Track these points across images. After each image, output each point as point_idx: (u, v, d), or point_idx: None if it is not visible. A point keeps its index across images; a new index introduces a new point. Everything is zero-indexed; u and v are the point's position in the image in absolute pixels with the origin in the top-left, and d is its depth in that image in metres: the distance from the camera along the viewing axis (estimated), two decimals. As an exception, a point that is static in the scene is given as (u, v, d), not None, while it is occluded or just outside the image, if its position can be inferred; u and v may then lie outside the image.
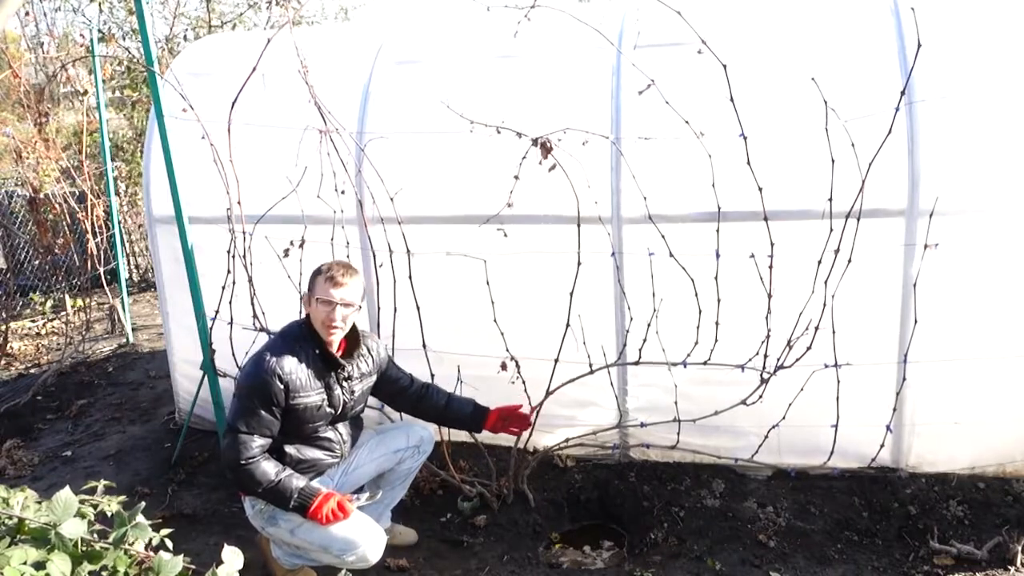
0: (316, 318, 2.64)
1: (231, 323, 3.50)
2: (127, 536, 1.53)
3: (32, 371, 5.46)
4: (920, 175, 2.95)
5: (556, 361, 3.13)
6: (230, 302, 3.47)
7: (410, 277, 3.24)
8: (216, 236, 3.49)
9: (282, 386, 2.52)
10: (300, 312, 3.42)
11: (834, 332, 2.93)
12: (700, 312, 3.02)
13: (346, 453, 2.83)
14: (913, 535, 2.98)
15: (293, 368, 2.56)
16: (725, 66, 2.68)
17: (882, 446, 3.14)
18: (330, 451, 2.75)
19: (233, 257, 3.39)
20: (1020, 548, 2.80)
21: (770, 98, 3.06)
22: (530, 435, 3.25)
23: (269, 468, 2.49)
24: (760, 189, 2.77)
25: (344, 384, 2.73)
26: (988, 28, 3.09)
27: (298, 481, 2.51)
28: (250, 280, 3.42)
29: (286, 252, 3.26)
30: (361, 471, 2.87)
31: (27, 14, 9.31)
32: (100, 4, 8.45)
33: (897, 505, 3.13)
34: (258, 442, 2.51)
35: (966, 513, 3.06)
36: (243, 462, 2.46)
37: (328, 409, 2.68)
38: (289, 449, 2.64)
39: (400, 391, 2.99)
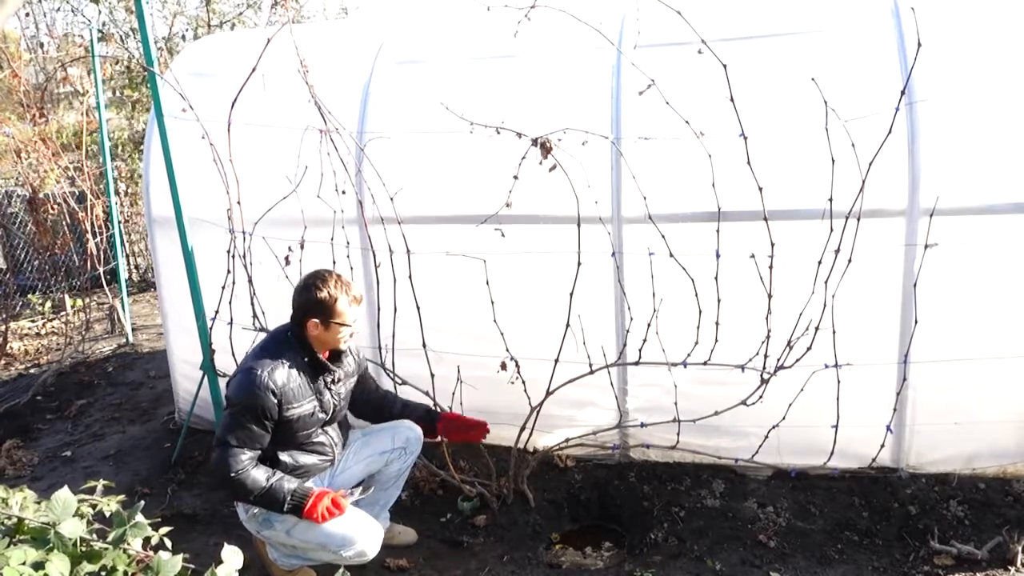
0: (325, 338, 2.62)
1: (231, 323, 3.50)
2: (126, 536, 1.53)
3: (32, 371, 5.46)
4: (920, 175, 2.95)
5: (556, 361, 3.13)
6: (230, 302, 3.47)
7: (410, 277, 3.24)
8: (216, 236, 3.49)
9: (275, 400, 2.50)
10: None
11: (834, 332, 2.93)
12: (700, 312, 3.02)
13: (338, 456, 2.84)
14: (913, 535, 2.98)
15: (286, 380, 2.53)
16: (725, 66, 2.67)
17: (882, 446, 3.14)
18: (323, 455, 2.75)
19: (233, 257, 3.39)
20: (1020, 548, 2.80)
21: (770, 98, 3.06)
22: (530, 435, 3.25)
23: (259, 475, 2.48)
24: (760, 189, 2.77)
25: (332, 388, 2.73)
26: (988, 28, 3.09)
27: (290, 484, 2.51)
28: (250, 280, 3.42)
29: (287, 260, 3.26)
30: (348, 473, 2.87)
31: (27, 15, 9.31)
32: (99, 4, 8.45)
33: (897, 505, 3.13)
34: (248, 454, 2.50)
35: (966, 513, 3.06)
36: (233, 474, 2.45)
37: (320, 415, 2.68)
38: (283, 457, 2.63)
39: (367, 395, 3.00)
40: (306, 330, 2.60)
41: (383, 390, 3.08)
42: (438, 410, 3.11)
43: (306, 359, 2.63)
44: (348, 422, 2.97)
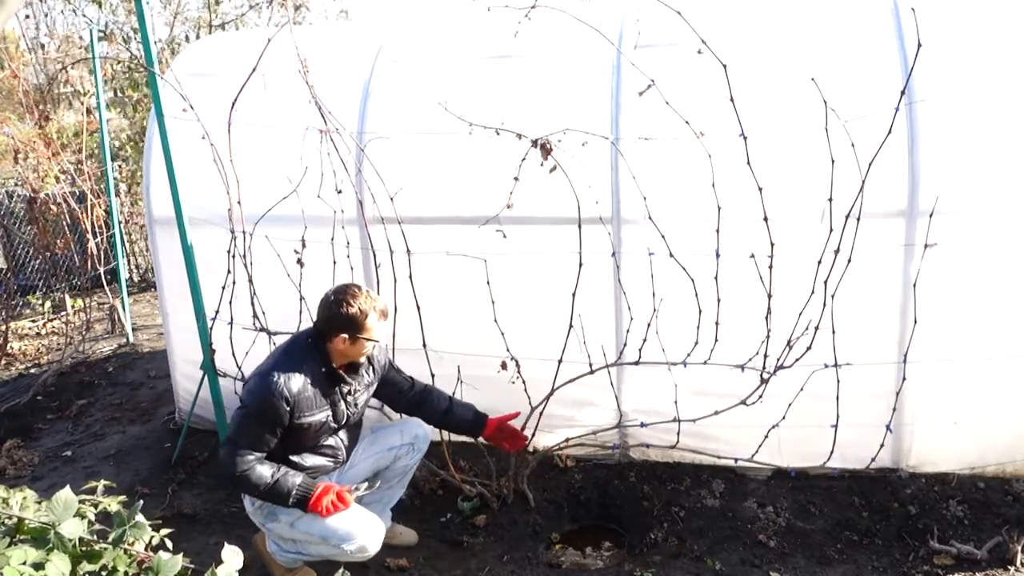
0: (350, 352, 2.62)
1: (231, 323, 3.50)
2: (126, 536, 1.53)
3: (32, 371, 5.46)
4: (920, 175, 2.95)
5: (559, 362, 3.13)
6: (230, 302, 3.47)
7: (410, 277, 3.24)
8: (216, 236, 3.49)
9: (288, 408, 2.51)
10: (300, 313, 3.43)
11: (834, 332, 2.93)
12: (700, 312, 3.02)
13: (347, 457, 2.85)
14: (913, 535, 2.98)
15: (301, 388, 2.54)
16: (725, 66, 2.67)
17: (882, 446, 3.13)
18: (333, 457, 2.77)
19: (233, 257, 3.39)
20: (1020, 548, 2.80)
21: (770, 98, 3.06)
22: (532, 435, 3.24)
23: (264, 471, 2.50)
24: (760, 189, 2.77)
25: (348, 399, 2.73)
26: (988, 28, 3.09)
27: (295, 478, 2.53)
28: (250, 280, 3.42)
29: (299, 261, 3.26)
30: (356, 469, 2.88)
31: (27, 17, 9.32)
32: (100, 4, 8.45)
33: (897, 505, 3.13)
34: (255, 455, 2.52)
35: (966, 513, 3.06)
36: (238, 472, 2.48)
37: (332, 424, 2.70)
38: (293, 458, 2.65)
39: (398, 394, 2.99)
40: (332, 343, 2.60)
41: (421, 384, 3.03)
42: (485, 415, 3.04)
43: (323, 369, 2.63)
44: (362, 423, 2.98)
